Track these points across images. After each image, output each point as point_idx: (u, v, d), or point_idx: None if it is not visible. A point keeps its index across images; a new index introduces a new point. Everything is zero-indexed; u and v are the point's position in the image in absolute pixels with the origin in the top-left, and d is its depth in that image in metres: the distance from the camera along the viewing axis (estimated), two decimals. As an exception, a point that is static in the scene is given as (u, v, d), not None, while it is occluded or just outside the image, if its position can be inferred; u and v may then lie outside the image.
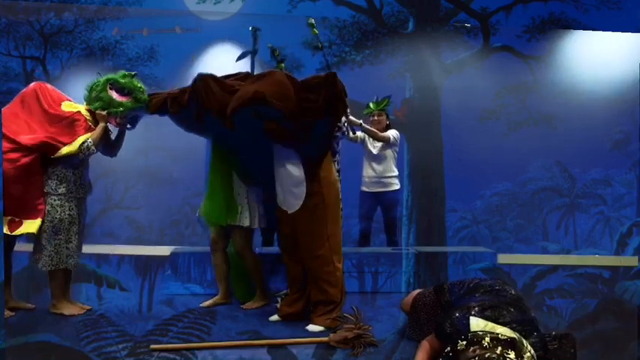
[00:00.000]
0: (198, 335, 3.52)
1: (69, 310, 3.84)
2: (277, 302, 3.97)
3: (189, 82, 3.69)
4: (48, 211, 3.76)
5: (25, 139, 3.71)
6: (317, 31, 4.98)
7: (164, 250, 4.91)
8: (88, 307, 4.00)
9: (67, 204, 3.80)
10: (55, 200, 3.78)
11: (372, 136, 5.32)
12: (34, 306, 3.96)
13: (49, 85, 3.99)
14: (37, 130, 3.77)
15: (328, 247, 3.61)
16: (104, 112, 3.87)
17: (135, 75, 3.98)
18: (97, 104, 3.87)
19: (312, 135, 3.55)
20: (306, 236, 3.61)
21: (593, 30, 6.48)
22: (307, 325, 3.62)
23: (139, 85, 3.94)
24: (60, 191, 3.78)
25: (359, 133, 5.38)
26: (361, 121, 5.16)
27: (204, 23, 6.28)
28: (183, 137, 4.19)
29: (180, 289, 4.66)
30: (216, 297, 4.19)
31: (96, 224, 6.06)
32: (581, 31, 6.52)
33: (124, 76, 3.93)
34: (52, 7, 6.24)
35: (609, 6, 6.37)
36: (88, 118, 3.89)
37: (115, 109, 3.86)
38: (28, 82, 6.28)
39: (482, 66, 6.54)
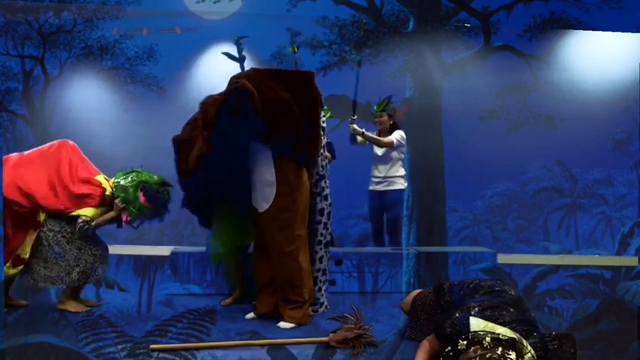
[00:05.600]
0: (197, 336, 3.51)
1: (75, 307, 3.85)
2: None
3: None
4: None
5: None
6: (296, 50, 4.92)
7: (163, 250, 4.90)
8: (97, 304, 4.05)
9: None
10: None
11: (375, 144, 5.44)
12: (27, 303, 3.96)
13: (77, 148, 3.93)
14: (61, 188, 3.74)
15: (296, 247, 3.67)
16: (122, 206, 3.78)
17: (170, 187, 3.89)
18: (121, 195, 3.78)
19: (293, 136, 3.59)
20: (276, 234, 3.65)
21: (594, 30, 6.47)
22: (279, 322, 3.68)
23: (168, 198, 3.87)
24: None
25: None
26: (363, 130, 5.32)
27: (203, 23, 6.27)
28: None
29: (179, 289, 4.64)
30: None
31: (95, 224, 6.03)
32: (582, 30, 6.51)
33: (161, 185, 3.85)
34: (50, 7, 6.23)
35: (610, 5, 6.36)
36: (107, 194, 3.83)
37: (133, 210, 3.78)
38: (26, 82, 6.34)
39: (483, 65, 6.53)
